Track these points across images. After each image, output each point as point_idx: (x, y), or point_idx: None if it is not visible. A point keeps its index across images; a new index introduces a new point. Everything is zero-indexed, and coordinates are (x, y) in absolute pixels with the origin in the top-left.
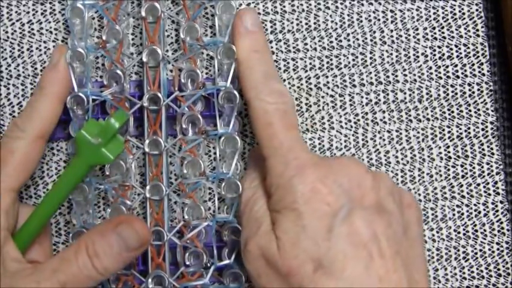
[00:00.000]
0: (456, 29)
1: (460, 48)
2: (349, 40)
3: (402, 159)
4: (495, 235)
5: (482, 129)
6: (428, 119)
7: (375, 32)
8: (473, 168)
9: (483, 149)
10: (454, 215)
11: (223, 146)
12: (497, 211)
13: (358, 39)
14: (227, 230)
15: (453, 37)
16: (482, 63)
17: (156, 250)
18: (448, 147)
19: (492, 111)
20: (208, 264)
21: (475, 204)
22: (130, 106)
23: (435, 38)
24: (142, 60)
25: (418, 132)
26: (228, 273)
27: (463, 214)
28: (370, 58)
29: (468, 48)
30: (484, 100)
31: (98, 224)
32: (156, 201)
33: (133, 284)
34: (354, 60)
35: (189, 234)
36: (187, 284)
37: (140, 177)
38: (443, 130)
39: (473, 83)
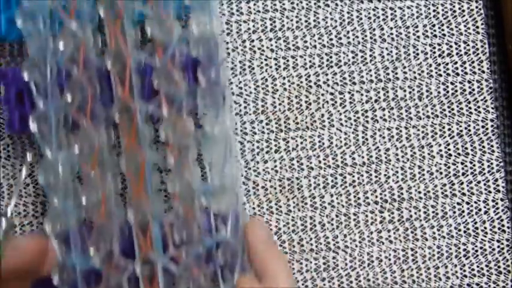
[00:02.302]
0: (456, 27)
1: (459, 46)
2: (348, 38)
3: (402, 156)
4: (495, 233)
5: (483, 127)
6: (428, 117)
7: (374, 29)
8: (474, 165)
9: (483, 147)
10: (454, 212)
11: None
12: (497, 208)
13: (357, 36)
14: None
15: (453, 34)
16: (482, 61)
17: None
18: (448, 144)
19: (492, 108)
20: None
21: (475, 202)
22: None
23: (435, 36)
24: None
25: (418, 130)
26: None
27: (463, 212)
28: (370, 56)
29: (468, 45)
30: (484, 98)
31: None
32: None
33: None
34: (353, 57)
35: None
36: None
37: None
38: (444, 128)
39: (473, 81)
